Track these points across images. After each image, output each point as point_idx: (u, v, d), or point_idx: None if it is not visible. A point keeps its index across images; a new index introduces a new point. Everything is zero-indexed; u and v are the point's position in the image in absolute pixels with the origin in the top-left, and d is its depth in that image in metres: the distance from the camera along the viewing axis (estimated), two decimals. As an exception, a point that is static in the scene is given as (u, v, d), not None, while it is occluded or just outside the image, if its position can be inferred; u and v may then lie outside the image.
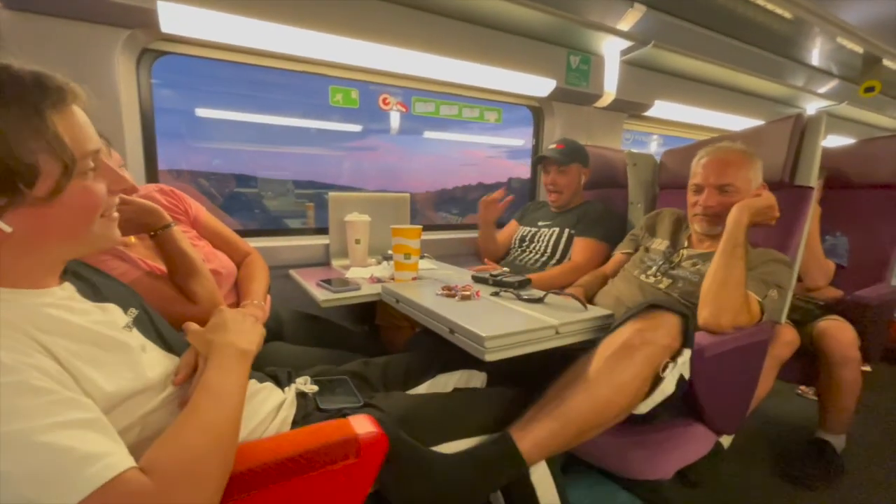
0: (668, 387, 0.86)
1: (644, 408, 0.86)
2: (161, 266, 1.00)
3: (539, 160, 1.90)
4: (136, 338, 0.61)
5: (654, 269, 1.28)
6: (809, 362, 1.46)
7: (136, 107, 1.47)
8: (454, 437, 0.78)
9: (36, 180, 0.47)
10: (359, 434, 0.60)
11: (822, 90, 3.15)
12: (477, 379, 1.01)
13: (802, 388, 2.07)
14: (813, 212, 1.30)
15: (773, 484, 1.40)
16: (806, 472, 1.40)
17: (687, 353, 0.87)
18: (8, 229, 0.47)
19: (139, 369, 0.56)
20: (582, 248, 1.67)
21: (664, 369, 0.85)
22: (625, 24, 2.11)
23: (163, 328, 0.69)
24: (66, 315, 0.52)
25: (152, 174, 1.56)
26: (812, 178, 1.28)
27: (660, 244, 1.37)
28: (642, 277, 1.29)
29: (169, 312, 0.79)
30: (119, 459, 0.44)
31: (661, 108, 2.48)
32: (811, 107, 3.09)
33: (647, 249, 1.39)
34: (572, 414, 0.81)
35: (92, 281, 0.64)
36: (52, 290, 0.55)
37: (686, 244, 1.31)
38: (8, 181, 0.45)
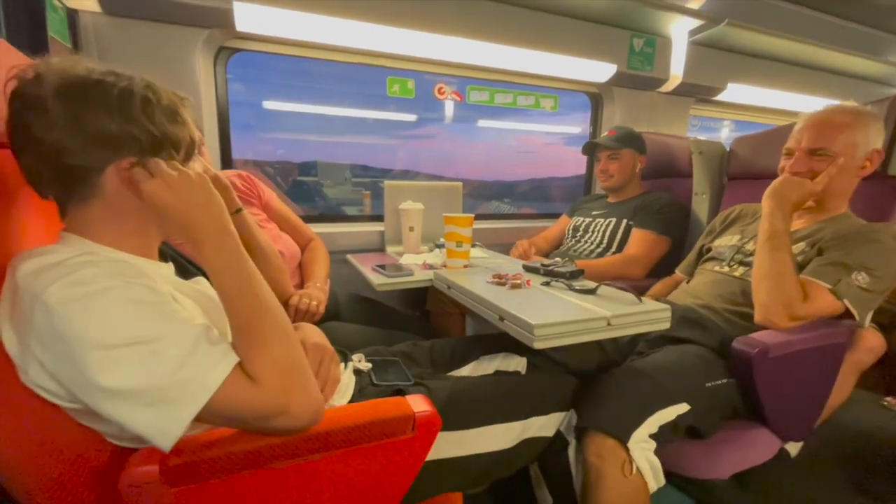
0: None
1: None
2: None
3: (589, 147, 1.84)
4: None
5: (727, 261, 1.22)
6: (897, 371, 1.33)
7: (213, 101, 1.60)
8: (495, 422, 0.80)
9: (180, 148, 0.62)
10: (416, 412, 0.64)
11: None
12: (517, 362, 1.04)
13: (889, 399, 1.87)
14: (909, 205, 1.17)
15: (843, 499, 1.30)
16: (884, 489, 1.28)
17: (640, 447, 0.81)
18: None
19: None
20: (639, 240, 1.61)
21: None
22: (695, 2, 1.97)
23: None
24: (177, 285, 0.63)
25: (227, 163, 1.69)
26: (910, 167, 1.15)
27: (728, 240, 1.28)
28: (716, 268, 1.23)
29: None
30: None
31: (735, 92, 2.31)
32: (917, 86, 2.74)
33: (710, 249, 1.32)
34: None
35: (179, 261, 0.74)
36: (160, 264, 0.65)
37: None
38: (163, 148, 0.59)
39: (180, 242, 1.00)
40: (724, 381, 0.97)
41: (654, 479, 0.82)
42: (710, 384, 0.95)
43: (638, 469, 0.80)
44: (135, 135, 0.55)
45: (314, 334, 0.79)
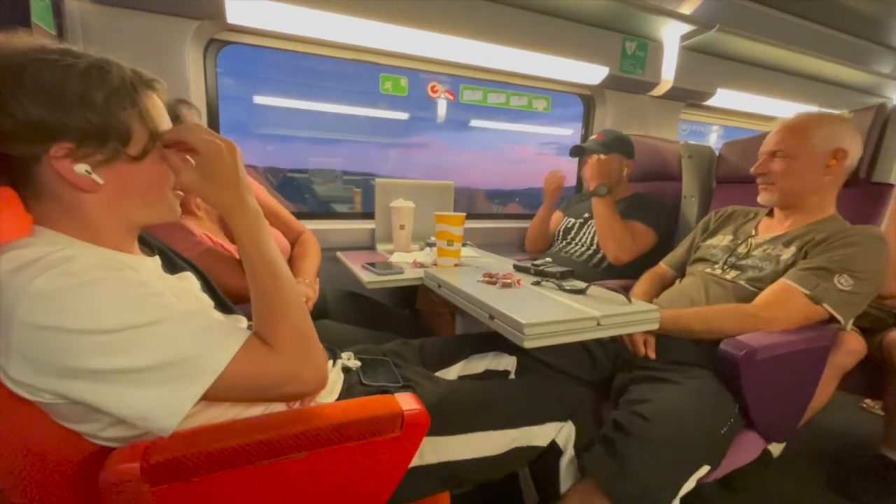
0: None
1: None
2: (223, 242, 1.07)
3: (576, 151, 1.85)
4: (208, 300, 0.69)
5: (720, 263, 1.23)
6: (877, 374, 1.36)
7: (203, 95, 1.57)
8: (487, 429, 0.79)
9: (130, 141, 0.55)
10: (404, 410, 0.63)
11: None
12: (507, 361, 1.04)
13: (868, 401, 1.92)
14: (891, 212, 1.20)
15: (823, 498, 1.32)
16: (863, 489, 1.31)
17: None
18: (101, 181, 0.54)
19: None
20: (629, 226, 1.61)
21: None
22: (687, 8, 1.99)
23: (220, 293, 0.77)
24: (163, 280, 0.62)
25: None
26: (893, 174, 1.17)
27: (720, 240, 1.30)
28: (707, 270, 1.24)
29: (227, 286, 0.85)
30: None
31: (724, 97, 2.34)
32: (900, 96, 2.81)
33: (700, 248, 1.33)
34: None
35: (167, 254, 0.72)
36: (143, 258, 0.62)
37: (753, 233, 1.24)
38: (107, 139, 0.53)
39: (168, 234, 0.98)
40: (734, 419, 0.94)
41: None
42: (724, 429, 0.92)
43: None
44: (65, 123, 0.50)
45: None
